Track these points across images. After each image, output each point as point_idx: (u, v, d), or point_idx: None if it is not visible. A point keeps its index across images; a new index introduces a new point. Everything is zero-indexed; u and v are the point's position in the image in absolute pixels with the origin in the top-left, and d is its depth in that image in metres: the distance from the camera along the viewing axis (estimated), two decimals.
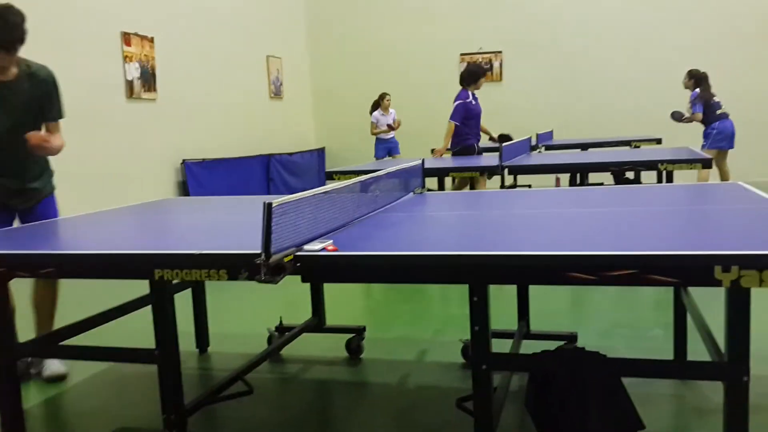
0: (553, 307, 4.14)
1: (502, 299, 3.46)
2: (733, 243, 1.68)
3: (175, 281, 2.18)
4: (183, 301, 3.39)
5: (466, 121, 6.83)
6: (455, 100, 6.85)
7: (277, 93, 10.71)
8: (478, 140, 7.05)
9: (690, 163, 4.47)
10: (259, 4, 10.25)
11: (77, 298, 4.19)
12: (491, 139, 7.66)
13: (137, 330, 3.04)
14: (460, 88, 6.97)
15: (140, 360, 2.41)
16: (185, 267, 1.93)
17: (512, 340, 3.02)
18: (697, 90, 7.75)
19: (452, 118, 6.78)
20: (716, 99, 7.71)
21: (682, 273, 1.53)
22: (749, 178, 8.61)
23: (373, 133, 9.79)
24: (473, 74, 6.93)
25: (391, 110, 9.89)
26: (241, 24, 9.71)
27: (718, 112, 7.66)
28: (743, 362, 1.70)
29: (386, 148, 9.92)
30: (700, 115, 7.69)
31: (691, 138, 8.14)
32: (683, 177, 7.26)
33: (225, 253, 1.91)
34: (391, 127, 9.78)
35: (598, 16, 10.56)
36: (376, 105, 9.84)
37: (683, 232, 1.88)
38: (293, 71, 11.22)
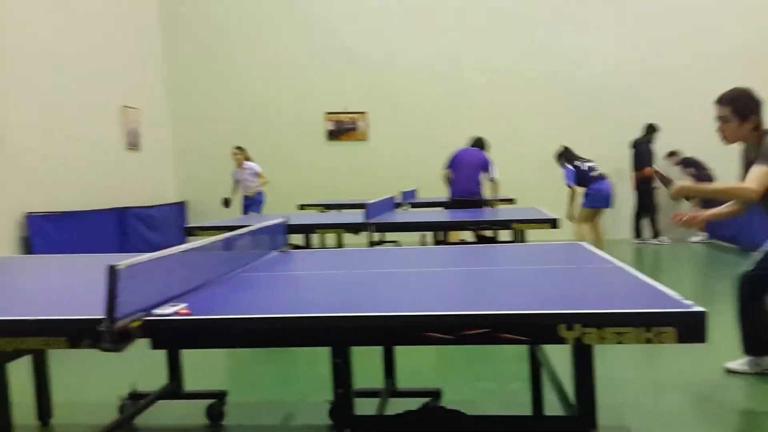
0: (420, 362, 4.19)
1: (370, 355, 3.44)
2: (576, 302, 1.78)
3: (8, 350, 1.97)
4: (22, 368, 3.07)
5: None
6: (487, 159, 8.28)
7: (133, 144, 10.27)
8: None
9: (539, 223, 4.78)
10: (114, 53, 9.87)
11: None
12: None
13: None
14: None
15: None
16: (20, 335, 1.75)
17: (379, 399, 3.00)
18: (567, 165, 8.37)
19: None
20: (588, 164, 8.32)
21: (531, 331, 1.60)
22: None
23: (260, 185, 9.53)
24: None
25: (248, 164, 9.57)
26: (94, 73, 9.27)
27: (592, 174, 8.26)
28: (591, 415, 1.79)
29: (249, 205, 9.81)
30: (576, 188, 8.28)
31: (538, 200, 8.73)
32: (538, 234, 7.75)
33: (65, 318, 1.75)
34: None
35: (456, 87, 11.19)
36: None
37: (532, 292, 1.97)
38: (152, 122, 10.83)
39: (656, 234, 10.42)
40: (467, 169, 8.13)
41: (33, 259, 3.65)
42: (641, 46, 10.88)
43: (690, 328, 1.55)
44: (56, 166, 8.29)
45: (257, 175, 9.48)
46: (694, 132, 9.83)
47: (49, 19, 8.37)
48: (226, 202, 9.56)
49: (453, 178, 8.23)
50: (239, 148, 9.57)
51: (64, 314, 1.81)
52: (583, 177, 8.26)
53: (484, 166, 8.20)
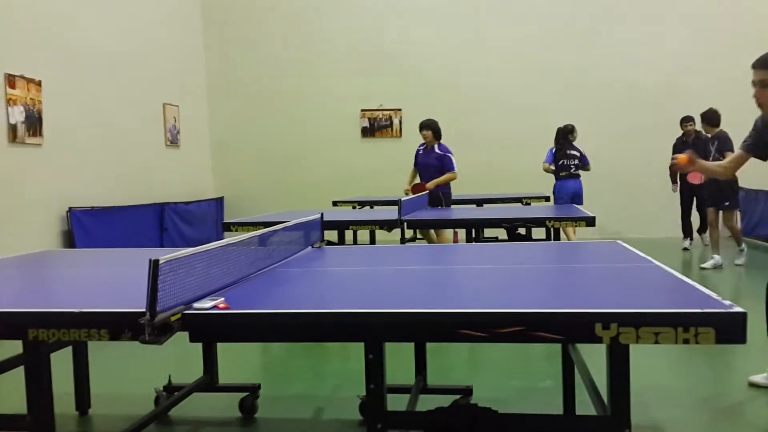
0: (450, 360, 4.18)
1: (402, 352, 3.45)
2: (612, 301, 1.76)
3: (51, 341, 2.03)
4: (62, 360, 3.15)
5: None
6: (447, 152, 7.57)
7: (173, 141, 10.45)
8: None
9: (574, 220, 4.71)
10: (156, 51, 10.05)
11: None
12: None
13: (8, 393, 2.79)
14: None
15: (9, 426, 2.21)
16: (63, 326, 1.81)
17: (410, 395, 3.01)
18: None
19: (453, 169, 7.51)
20: (568, 160, 8.17)
21: (565, 330, 1.59)
22: (623, 235, 9.14)
23: None
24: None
25: None
26: (137, 70, 9.46)
27: (562, 173, 8.15)
28: (624, 415, 1.77)
29: None
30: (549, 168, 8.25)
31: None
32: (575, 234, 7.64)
33: (107, 311, 1.80)
34: None
35: (492, 83, 11.12)
36: None
37: (567, 290, 1.96)
38: (191, 119, 11.00)
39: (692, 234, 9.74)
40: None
41: (75, 252, 3.75)
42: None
43: (729, 328, 1.52)
44: (98, 162, 8.47)
45: None
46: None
47: (93, 17, 8.55)
48: None
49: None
50: None
51: (106, 307, 1.86)
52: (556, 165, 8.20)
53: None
